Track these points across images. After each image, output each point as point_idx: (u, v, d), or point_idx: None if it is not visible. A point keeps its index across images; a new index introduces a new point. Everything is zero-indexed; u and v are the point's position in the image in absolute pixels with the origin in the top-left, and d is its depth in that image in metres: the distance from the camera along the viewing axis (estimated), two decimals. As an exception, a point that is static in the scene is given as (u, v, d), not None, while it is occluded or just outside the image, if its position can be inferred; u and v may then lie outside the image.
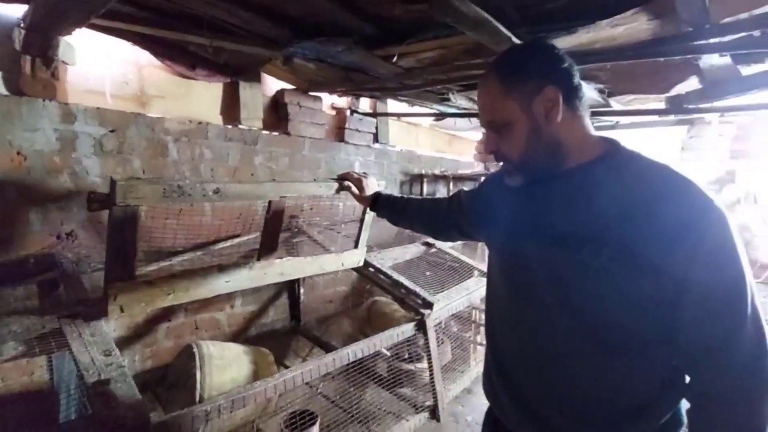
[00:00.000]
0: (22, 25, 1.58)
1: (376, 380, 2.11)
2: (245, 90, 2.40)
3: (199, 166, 2.17)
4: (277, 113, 2.62)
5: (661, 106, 2.05)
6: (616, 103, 2.06)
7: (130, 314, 1.40)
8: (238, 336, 2.41)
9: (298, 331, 2.63)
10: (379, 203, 1.47)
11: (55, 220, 1.72)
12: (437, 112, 2.81)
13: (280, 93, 2.58)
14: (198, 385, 1.57)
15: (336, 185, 1.64)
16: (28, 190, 1.66)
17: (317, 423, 1.75)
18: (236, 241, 2.15)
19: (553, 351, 0.83)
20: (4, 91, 1.63)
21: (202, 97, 2.31)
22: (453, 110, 2.67)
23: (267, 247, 1.69)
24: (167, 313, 2.11)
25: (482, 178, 1.17)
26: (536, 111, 0.78)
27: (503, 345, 0.96)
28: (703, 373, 0.73)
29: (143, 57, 2.03)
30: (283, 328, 2.64)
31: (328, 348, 2.34)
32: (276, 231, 1.68)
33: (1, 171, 1.59)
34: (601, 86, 1.83)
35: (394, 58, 1.56)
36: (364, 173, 1.60)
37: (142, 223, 1.33)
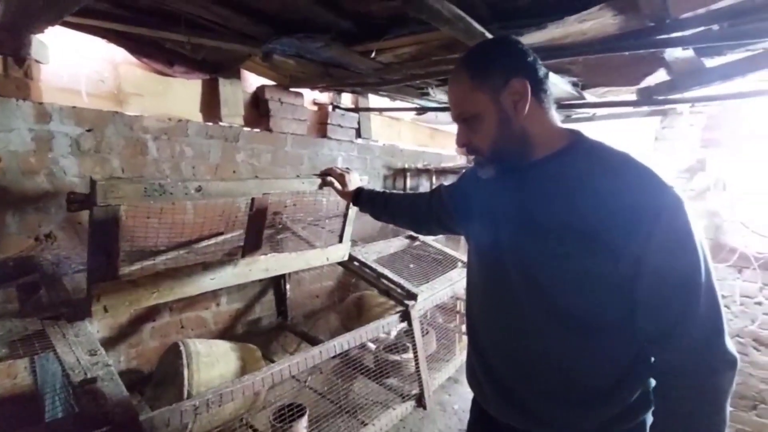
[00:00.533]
0: (-9, 23, 1.55)
1: (363, 372, 2.15)
2: (225, 87, 2.39)
3: (179, 164, 2.15)
4: (258, 110, 2.61)
5: (633, 97, 2.12)
6: (590, 96, 2.13)
7: (114, 314, 1.40)
8: (225, 333, 2.41)
9: (285, 327, 2.64)
10: (361, 198, 1.50)
11: (33, 222, 1.69)
12: (418, 106, 2.84)
13: (261, 89, 2.57)
14: (186, 382, 1.58)
15: (319, 181, 1.66)
16: (4, 191, 1.63)
17: (306, 415, 1.77)
18: (220, 239, 2.15)
19: (527, 337, 0.88)
20: (-24, 92, 1.60)
21: (181, 95, 2.28)
22: (433, 104, 2.70)
23: (251, 244, 1.71)
24: (152, 313, 2.11)
25: (464, 171, 1.24)
26: (505, 103, 0.82)
27: (483, 335, 1.00)
28: (662, 352, 0.78)
29: (119, 54, 2.00)
30: (270, 325, 2.65)
31: (315, 343, 2.36)
32: (260, 228, 1.69)
33: (-25, 173, 1.56)
34: (574, 79, 1.89)
35: (372, 54, 1.58)
36: (347, 168, 1.63)
37: (123, 222, 1.33)
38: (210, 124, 2.29)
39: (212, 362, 1.70)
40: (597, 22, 1.19)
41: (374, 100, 3.26)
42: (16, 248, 1.66)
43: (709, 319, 0.73)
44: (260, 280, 2.49)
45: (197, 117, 2.33)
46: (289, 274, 2.64)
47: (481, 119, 0.84)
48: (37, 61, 1.72)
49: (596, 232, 0.75)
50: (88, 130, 1.83)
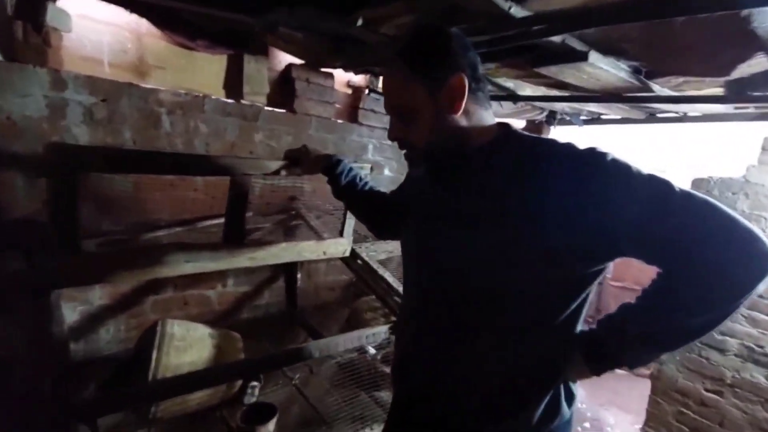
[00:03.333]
0: (11, -11, 1.59)
1: (355, 379, 1.97)
2: (250, 63, 2.30)
3: (193, 140, 2.11)
4: (285, 89, 2.50)
5: (720, 91, 1.65)
6: (659, 87, 1.68)
7: (78, 289, 1.37)
8: (229, 316, 2.38)
9: (293, 317, 2.55)
10: (336, 170, 1.28)
11: (40, 187, 1.74)
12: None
13: (288, 68, 2.45)
14: (152, 365, 1.53)
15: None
16: (16, 155, 1.69)
17: (275, 418, 1.65)
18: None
19: (452, 334, 0.84)
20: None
21: (206, 70, 2.25)
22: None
23: (232, 230, 1.59)
24: (155, 286, 2.11)
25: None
26: (442, 99, 0.79)
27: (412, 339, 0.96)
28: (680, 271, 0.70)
29: (143, 25, 1.99)
30: (278, 313, 2.58)
31: (319, 337, 2.24)
32: (240, 211, 1.57)
33: (-8, 135, 1.62)
34: (635, 64, 1.48)
35: (358, 21, 1.36)
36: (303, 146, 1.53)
37: (104, 193, 1.28)
38: (229, 101, 2.22)
39: (185, 347, 1.63)
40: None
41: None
42: (23, 211, 1.72)
43: (708, 216, 0.65)
44: (269, 266, 2.41)
45: (221, 94, 2.28)
46: (302, 262, 2.54)
47: (418, 114, 0.81)
48: (56, 29, 1.74)
49: (535, 216, 0.71)
50: (103, 100, 1.84)
